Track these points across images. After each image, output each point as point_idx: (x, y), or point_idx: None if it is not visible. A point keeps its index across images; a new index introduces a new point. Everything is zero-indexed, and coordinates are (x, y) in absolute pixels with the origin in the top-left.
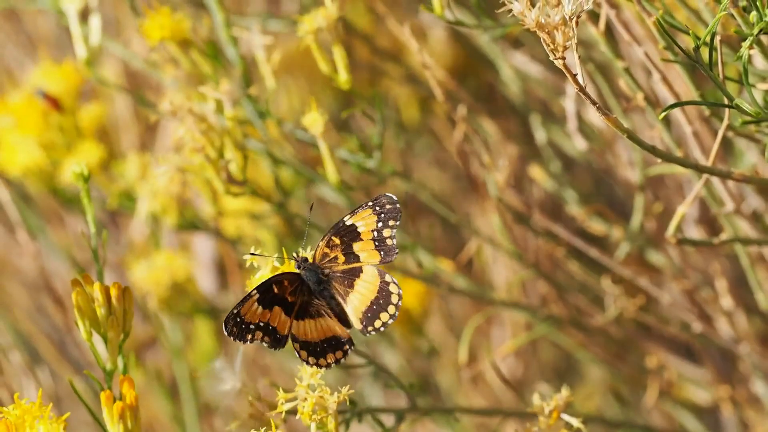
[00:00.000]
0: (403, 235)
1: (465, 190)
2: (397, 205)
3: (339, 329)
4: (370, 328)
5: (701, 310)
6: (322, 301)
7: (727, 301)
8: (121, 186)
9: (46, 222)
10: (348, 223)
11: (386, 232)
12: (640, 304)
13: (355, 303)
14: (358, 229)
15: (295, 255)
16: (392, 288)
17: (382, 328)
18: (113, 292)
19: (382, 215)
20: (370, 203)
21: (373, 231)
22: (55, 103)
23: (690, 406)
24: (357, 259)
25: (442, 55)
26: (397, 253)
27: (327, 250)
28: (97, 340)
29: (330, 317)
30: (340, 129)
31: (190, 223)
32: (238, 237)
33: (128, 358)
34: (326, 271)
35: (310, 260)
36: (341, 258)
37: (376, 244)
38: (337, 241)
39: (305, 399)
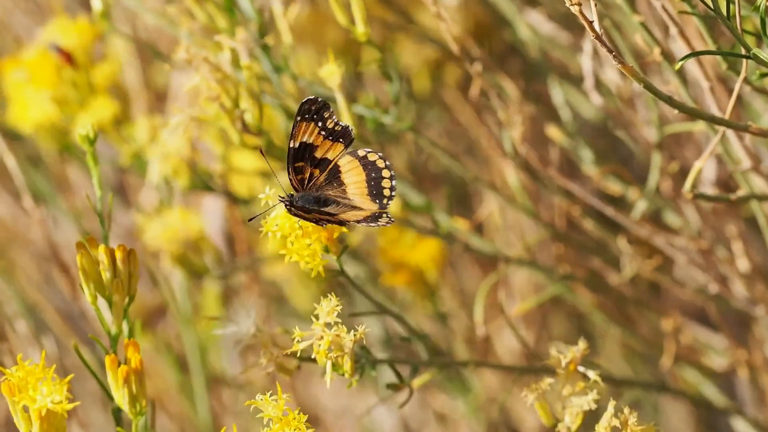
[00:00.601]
0: (418, 196)
1: (476, 161)
2: (319, 99)
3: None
4: (385, 201)
5: (717, 271)
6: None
7: (743, 263)
8: (132, 148)
9: (56, 190)
10: (296, 145)
11: (330, 123)
12: (656, 265)
13: (356, 192)
14: (308, 141)
15: (280, 198)
16: (370, 156)
17: (393, 194)
18: (118, 255)
19: (315, 116)
20: (298, 117)
21: (320, 133)
22: (68, 57)
23: (706, 369)
24: (327, 162)
25: (457, 16)
26: (351, 129)
27: (300, 176)
28: (103, 305)
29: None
30: (350, 94)
31: (202, 183)
32: (250, 197)
33: (134, 323)
34: (315, 190)
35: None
36: (315, 171)
37: (330, 137)
38: (300, 164)
39: (321, 337)
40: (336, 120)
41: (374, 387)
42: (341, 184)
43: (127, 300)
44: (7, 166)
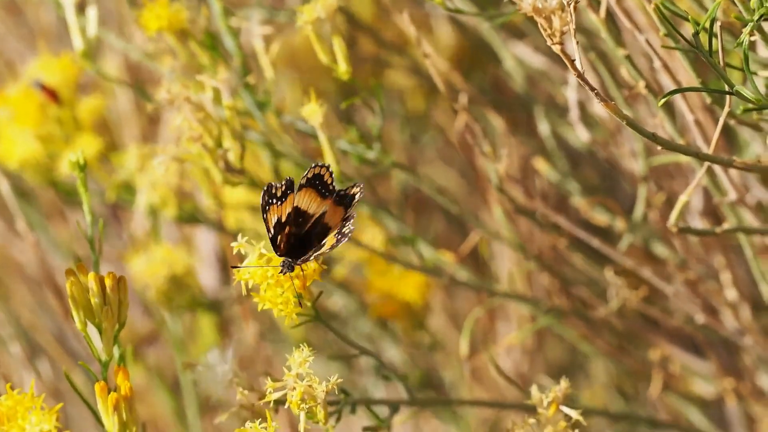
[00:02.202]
0: (403, 227)
1: (471, 185)
2: (280, 183)
3: None
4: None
5: (705, 302)
6: None
7: (731, 293)
8: (120, 178)
9: (46, 217)
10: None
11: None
12: (643, 296)
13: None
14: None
15: (282, 267)
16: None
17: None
18: (107, 282)
19: (268, 199)
20: (267, 203)
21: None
22: (53, 94)
23: (694, 398)
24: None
25: (447, 47)
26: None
27: (283, 240)
28: (93, 331)
29: None
30: (343, 121)
31: (190, 216)
32: (239, 229)
33: (125, 349)
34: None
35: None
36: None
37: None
38: (285, 231)
39: (293, 388)
40: (282, 183)
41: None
42: (325, 227)
43: (116, 327)
44: (1, 192)
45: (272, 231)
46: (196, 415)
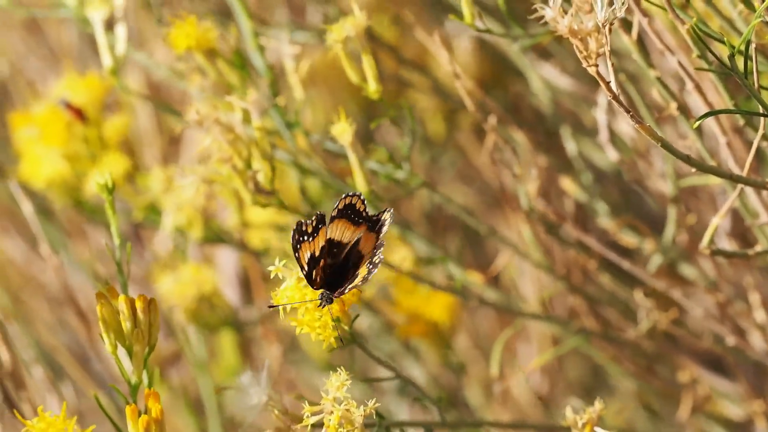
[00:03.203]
0: (431, 249)
1: (490, 205)
2: (310, 220)
3: None
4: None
5: (734, 324)
6: None
7: (760, 315)
8: (145, 199)
9: (68, 237)
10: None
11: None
12: (672, 317)
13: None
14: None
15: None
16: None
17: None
18: (138, 305)
19: (299, 237)
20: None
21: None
22: (79, 113)
23: (723, 421)
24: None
25: (467, 66)
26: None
27: (318, 273)
28: (122, 354)
29: None
30: (365, 143)
31: (216, 236)
32: (264, 249)
33: (153, 372)
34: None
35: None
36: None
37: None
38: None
39: (331, 412)
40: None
41: None
42: (359, 254)
43: (147, 349)
44: (24, 214)
45: (306, 268)
46: None
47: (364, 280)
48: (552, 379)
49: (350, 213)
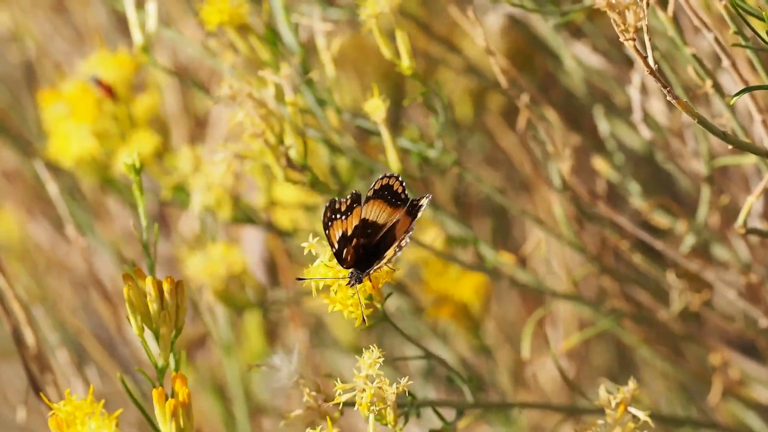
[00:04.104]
0: (464, 229)
1: (518, 188)
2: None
3: None
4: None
5: (767, 306)
6: None
7: None
8: (174, 179)
9: (94, 218)
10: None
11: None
12: (705, 299)
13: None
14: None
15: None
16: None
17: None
18: (166, 287)
19: (330, 214)
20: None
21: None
22: (109, 90)
23: (754, 404)
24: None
25: (498, 44)
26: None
27: (349, 253)
28: (149, 336)
29: None
30: (393, 124)
31: (245, 216)
32: (293, 230)
33: (179, 356)
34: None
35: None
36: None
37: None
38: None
39: (363, 390)
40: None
41: (420, 421)
42: (394, 237)
43: (174, 332)
44: (50, 195)
45: (336, 246)
46: (246, 420)
47: (389, 261)
48: (578, 365)
49: (387, 194)
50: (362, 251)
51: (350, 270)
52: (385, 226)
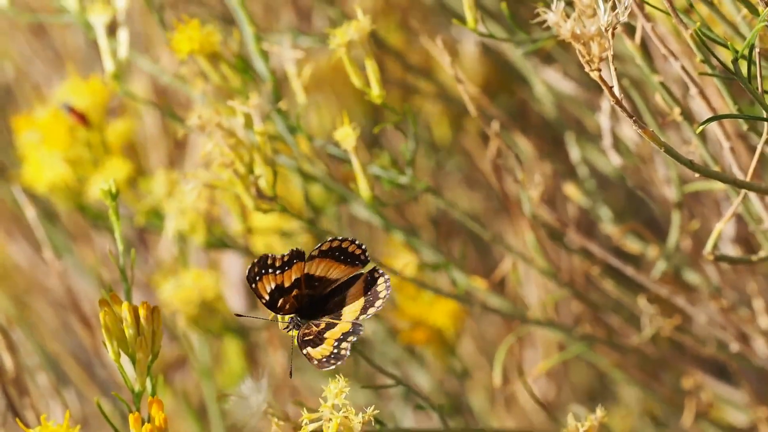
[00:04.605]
0: (435, 254)
1: (496, 210)
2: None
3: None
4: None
5: (738, 330)
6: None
7: (764, 321)
8: (148, 203)
9: (72, 241)
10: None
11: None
12: (676, 324)
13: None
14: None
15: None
16: (379, 286)
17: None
18: (142, 312)
19: (258, 270)
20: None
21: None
22: (82, 117)
23: (727, 427)
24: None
25: (473, 71)
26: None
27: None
28: (125, 361)
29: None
30: (371, 147)
31: (219, 241)
32: None
33: (156, 380)
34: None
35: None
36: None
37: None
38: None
39: (330, 419)
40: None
41: None
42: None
43: (150, 357)
44: (28, 219)
45: (266, 297)
46: None
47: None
48: (557, 385)
49: (339, 254)
50: (307, 300)
51: (289, 317)
52: (339, 280)
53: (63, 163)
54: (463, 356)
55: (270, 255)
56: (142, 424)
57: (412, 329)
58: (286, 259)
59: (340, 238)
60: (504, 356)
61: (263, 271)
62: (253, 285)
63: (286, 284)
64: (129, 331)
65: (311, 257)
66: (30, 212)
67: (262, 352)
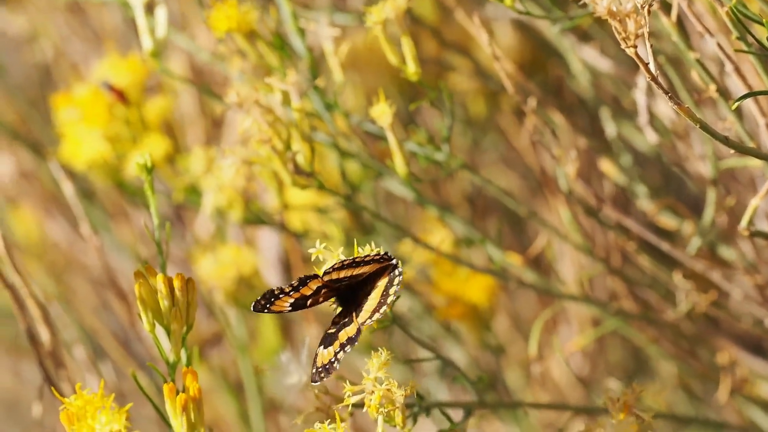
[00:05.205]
0: (471, 231)
1: (533, 188)
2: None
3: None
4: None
5: None
6: None
7: None
8: (186, 180)
9: (110, 218)
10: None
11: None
12: (711, 299)
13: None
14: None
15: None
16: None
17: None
18: (176, 284)
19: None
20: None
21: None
22: (120, 95)
23: (762, 403)
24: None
25: (508, 48)
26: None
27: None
28: (161, 333)
29: None
30: (406, 125)
31: (256, 217)
32: (304, 231)
33: (191, 351)
34: None
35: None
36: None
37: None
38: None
39: (372, 392)
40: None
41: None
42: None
43: (185, 329)
44: (65, 195)
45: (288, 309)
46: (260, 417)
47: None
48: (593, 362)
49: (357, 264)
50: (345, 287)
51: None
52: (367, 273)
53: (102, 140)
54: (498, 334)
55: (275, 288)
56: (177, 394)
57: (448, 305)
58: (295, 284)
59: (350, 258)
60: (539, 332)
61: (272, 299)
62: (265, 311)
63: (307, 293)
64: (164, 303)
65: (326, 273)
66: (68, 188)
67: (297, 328)
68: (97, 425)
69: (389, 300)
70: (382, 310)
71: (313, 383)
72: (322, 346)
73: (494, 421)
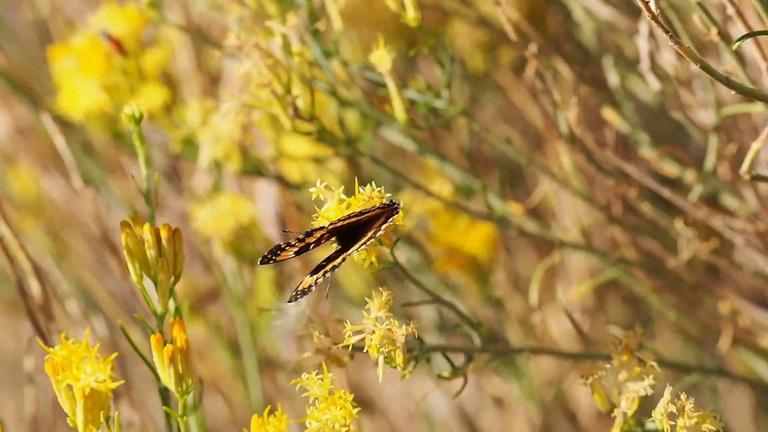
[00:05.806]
0: (471, 180)
1: (532, 144)
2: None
3: None
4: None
5: None
6: None
7: None
8: (183, 132)
9: (108, 174)
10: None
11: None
12: (713, 247)
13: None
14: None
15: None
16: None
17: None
18: (163, 234)
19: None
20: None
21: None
22: (118, 45)
23: (764, 353)
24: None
25: None
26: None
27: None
28: (150, 286)
29: None
30: (404, 76)
31: (254, 168)
32: (303, 182)
33: (181, 303)
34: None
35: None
36: None
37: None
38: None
39: (373, 331)
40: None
41: (429, 369)
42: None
43: (172, 279)
44: (57, 147)
45: (293, 256)
46: (256, 372)
47: (365, 244)
48: (592, 318)
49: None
50: (345, 228)
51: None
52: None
53: (99, 90)
54: (497, 286)
55: (282, 243)
56: (164, 345)
57: (447, 257)
58: (301, 236)
59: (357, 211)
60: (539, 281)
61: (278, 252)
62: (271, 263)
63: (311, 241)
64: (150, 253)
65: (332, 224)
66: (59, 141)
67: (294, 283)
68: (82, 375)
69: (379, 234)
70: (369, 242)
71: (288, 302)
72: (309, 275)
73: (493, 378)
